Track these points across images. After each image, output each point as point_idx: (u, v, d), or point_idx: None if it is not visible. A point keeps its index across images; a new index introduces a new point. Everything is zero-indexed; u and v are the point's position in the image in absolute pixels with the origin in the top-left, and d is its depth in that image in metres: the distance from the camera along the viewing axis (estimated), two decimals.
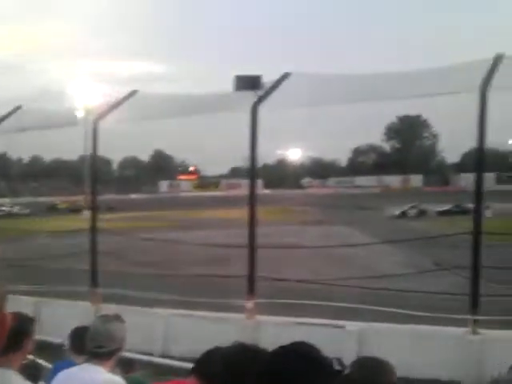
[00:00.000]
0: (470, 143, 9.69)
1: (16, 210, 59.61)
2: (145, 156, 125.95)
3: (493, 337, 8.44)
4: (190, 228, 38.39)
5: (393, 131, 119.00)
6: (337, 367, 1.76)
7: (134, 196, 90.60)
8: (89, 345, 3.11)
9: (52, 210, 64.71)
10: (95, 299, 11.17)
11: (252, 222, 10.17)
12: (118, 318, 3.27)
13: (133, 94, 11.69)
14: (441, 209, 50.63)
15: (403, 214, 49.73)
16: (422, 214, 50.75)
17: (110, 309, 10.85)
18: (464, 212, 45.29)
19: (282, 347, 1.72)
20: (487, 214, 40.44)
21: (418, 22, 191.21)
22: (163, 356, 9.63)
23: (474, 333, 8.43)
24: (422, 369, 8.22)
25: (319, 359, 1.68)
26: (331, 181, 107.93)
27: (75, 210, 52.04)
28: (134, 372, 6.16)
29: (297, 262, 20.19)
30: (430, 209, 52.09)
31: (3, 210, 53.78)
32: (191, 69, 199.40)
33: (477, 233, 8.47)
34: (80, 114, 14.68)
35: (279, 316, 9.96)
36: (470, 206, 46.39)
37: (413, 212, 50.92)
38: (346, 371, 2.29)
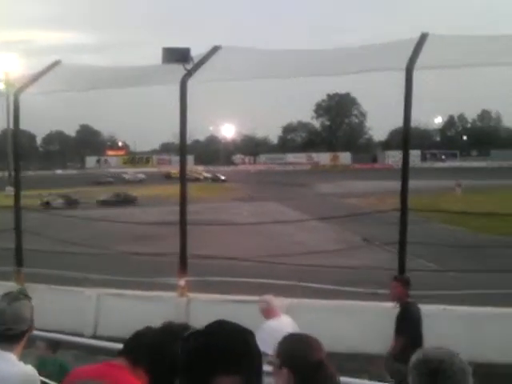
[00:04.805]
0: (396, 121, 9.88)
1: None
2: (71, 131, 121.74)
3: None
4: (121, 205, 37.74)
5: (322, 108, 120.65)
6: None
7: (59, 172, 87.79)
8: None
9: None
10: (20, 279, 10.75)
11: (183, 199, 10.00)
12: (24, 296, 3.00)
13: (56, 64, 11.14)
14: (101, 198, 44.02)
15: (46, 204, 39.29)
16: (71, 203, 41.15)
17: (37, 289, 10.49)
18: (123, 202, 42.13)
19: (196, 330, 1.61)
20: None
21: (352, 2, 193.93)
22: (94, 336, 9.41)
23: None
24: (348, 342, 8.41)
25: (240, 338, 1.57)
26: (262, 157, 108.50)
27: None
28: (56, 352, 5.99)
29: (228, 239, 20.20)
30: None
31: None
32: (116, 40, 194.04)
33: (403, 209, 8.65)
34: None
35: (211, 293, 9.91)
36: (133, 195, 43.94)
37: (59, 202, 40.87)
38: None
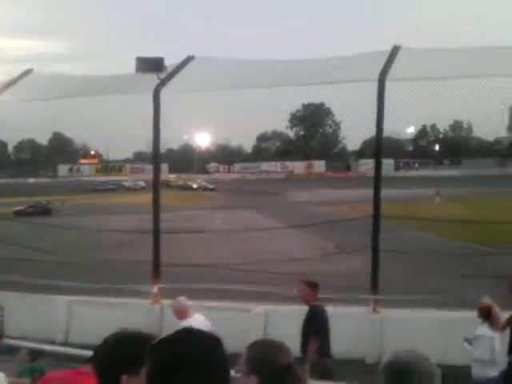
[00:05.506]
0: (369, 131, 10.02)
1: None
2: (43, 139, 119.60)
3: (391, 316, 8.83)
4: (93, 213, 37.32)
5: (297, 118, 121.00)
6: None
7: (31, 180, 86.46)
8: None
9: None
10: None
11: (156, 207, 10.00)
12: None
13: (27, 72, 11.08)
14: (17, 208, 41.00)
15: None
16: None
17: (9, 297, 10.37)
18: (40, 212, 39.76)
19: (165, 337, 1.61)
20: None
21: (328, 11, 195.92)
22: (66, 344, 9.31)
23: (375, 312, 8.79)
24: None
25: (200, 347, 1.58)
26: (237, 166, 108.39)
27: None
28: (36, 361, 6.00)
29: (202, 247, 20.15)
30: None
31: None
32: (88, 49, 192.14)
33: (376, 216, 8.79)
34: None
35: None
36: (50, 206, 40.60)
37: None
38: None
